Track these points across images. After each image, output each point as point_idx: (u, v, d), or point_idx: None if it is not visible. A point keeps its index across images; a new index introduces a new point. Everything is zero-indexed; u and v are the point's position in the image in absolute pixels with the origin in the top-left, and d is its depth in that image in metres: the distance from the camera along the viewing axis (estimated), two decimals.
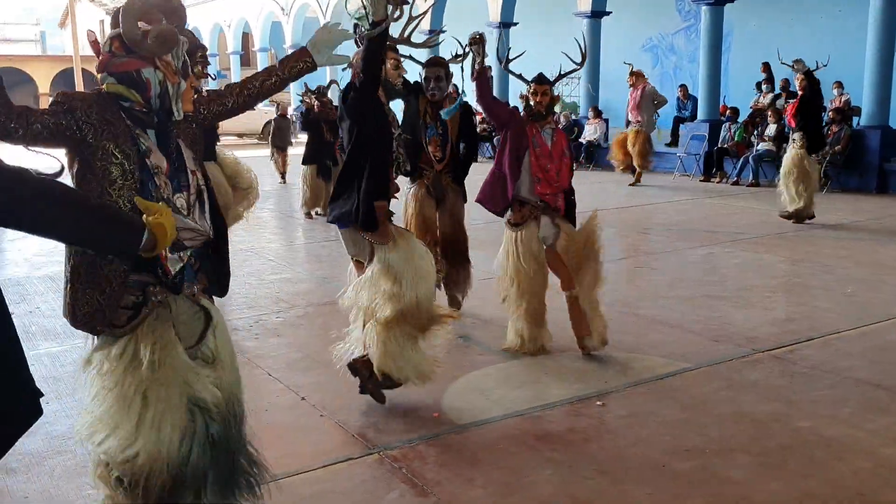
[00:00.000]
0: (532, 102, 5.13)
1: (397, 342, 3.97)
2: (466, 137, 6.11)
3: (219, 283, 2.76)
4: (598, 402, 4.31)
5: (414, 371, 4.05)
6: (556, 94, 5.19)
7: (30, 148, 2.35)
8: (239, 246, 8.61)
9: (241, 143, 23.32)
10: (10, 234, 9.78)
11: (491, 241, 9.24)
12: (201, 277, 2.69)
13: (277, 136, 15.12)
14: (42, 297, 6.69)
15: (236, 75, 32.38)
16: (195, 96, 2.66)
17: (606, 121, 17.07)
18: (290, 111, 21.19)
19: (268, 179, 10.85)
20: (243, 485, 2.78)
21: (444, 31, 5.72)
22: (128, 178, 2.41)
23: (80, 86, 30.59)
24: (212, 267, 2.73)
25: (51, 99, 2.46)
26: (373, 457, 3.71)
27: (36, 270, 7.88)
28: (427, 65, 5.79)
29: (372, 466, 3.62)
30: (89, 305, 2.45)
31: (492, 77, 6.40)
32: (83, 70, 31.86)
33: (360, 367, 4.16)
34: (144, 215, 2.23)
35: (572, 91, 21.15)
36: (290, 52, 26.81)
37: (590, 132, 16.85)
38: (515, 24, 19.49)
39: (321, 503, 3.33)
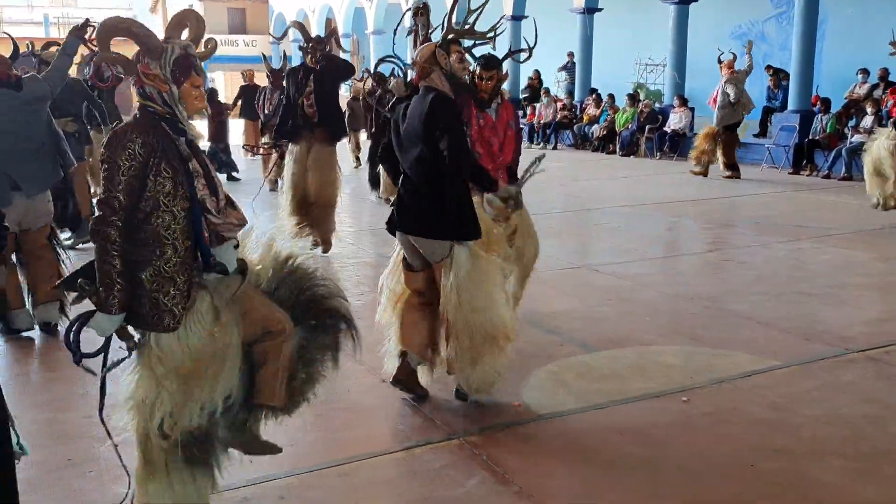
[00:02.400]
0: (478, 85, 4.82)
1: (483, 364, 3.96)
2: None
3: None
4: (682, 398, 4.22)
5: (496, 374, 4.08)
6: (504, 72, 4.89)
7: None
8: (308, 233, 8.75)
9: None
10: None
11: (568, 230, 9.19)
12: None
13: (351, 119, 15.28)
14: None
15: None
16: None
17: (692, 109, 16.66)
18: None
19: (344, 165, 10.91)
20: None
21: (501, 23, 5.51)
22: (178, 189, 2.73)
23: None
24: None
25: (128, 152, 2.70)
26: (453, 442, 3.72)
27: None
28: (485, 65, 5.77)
29: (452, 451, 3.64)
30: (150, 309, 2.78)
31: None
32: None
33: (404, 377, 4.15)
34: None
35: (656, 79, 20.71)
36: (371, 37, 26.82)
37: (675, 121, 16.47)
38: (600, 9, 19.16)
39: (403, 485, 3.36)
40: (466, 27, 4.36)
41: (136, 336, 2.84)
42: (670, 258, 8.05)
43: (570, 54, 20.84)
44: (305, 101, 7.49)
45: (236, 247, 2.99)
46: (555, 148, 18.79)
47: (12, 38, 7.30)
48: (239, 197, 3.38)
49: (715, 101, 13.06)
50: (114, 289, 2.68)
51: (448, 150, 3.74)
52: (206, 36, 3.04)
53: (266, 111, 11.89)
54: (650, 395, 4.28)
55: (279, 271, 3.09)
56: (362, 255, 7.95)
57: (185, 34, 2.96)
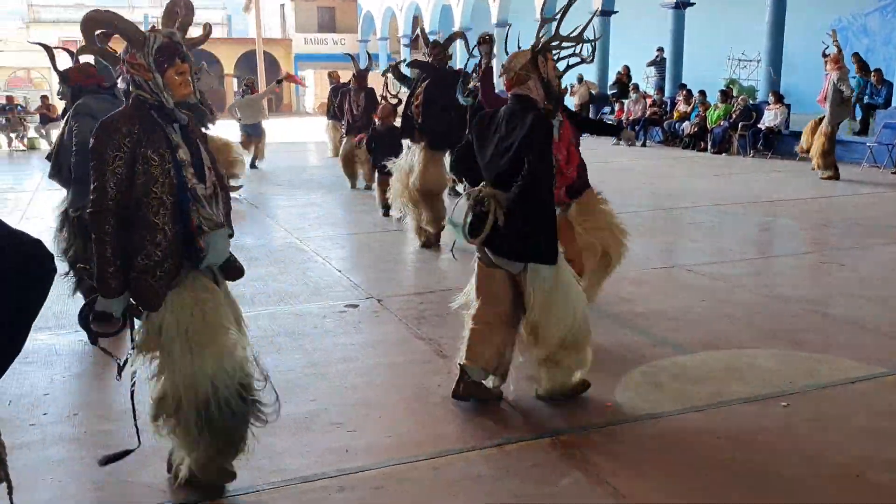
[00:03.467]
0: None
1: (566, 368, 3.96)
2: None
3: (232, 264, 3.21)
4: (782, 404, 4.09)
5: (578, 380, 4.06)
6: (563, 86, 4.77)
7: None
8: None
9: None
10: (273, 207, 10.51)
11: (658, 229, 9.01)
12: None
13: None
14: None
15: (406, 57, 33.13)
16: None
17: (788, 106, 16.12)
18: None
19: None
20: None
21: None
22: (166, 177, 2.83)
23: (261, 68, 32.32)
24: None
25: (97, 135, 2.82)
26: (545, 441, 3.70)
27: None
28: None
29: (545, 450, 3.61)
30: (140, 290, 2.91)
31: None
32: (265, 52, 33.63)
33: (469, 392, 4.07)
34: None
35: (750, 74, 20.12)
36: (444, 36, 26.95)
37: (769, 118, 15.96)
38: (692, 3, 18.72)
39: (495, 482, 3.35)
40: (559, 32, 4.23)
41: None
42: (766, 259, 7.80)
43: (660, 49, 20.45)
44: (414, 100, 7.48)
45: (230, 236, 3.10)
46: (644, 145, 18.48)
47: (45, 47, 6.63)
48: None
49: (825, 98, 12.45)
50: (107, 272, 2.81)
51: (532, 172, 3.65)
52: (213, 32, 3.25)
53: (354, 112, 11.63)
54: (748, 399, 4.16)
55: None
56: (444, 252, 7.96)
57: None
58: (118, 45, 3.13)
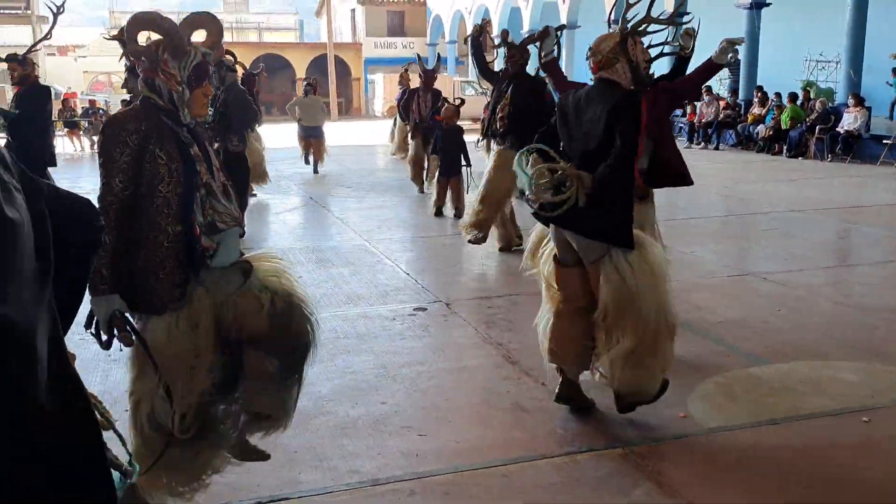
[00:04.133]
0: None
1: (645, 367, 3.74)
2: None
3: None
4: (863, 419, 3.96)
5: (659, 380, 3.89)
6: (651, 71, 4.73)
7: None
8: None
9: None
10: (278, 206, 10.74)
11: (731, 235, 8.83)
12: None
13: None
14: (304, 267, 7.24)
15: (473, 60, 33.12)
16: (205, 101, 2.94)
17: (869, 109, 15.58)
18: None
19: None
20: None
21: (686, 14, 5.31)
22: (173, 175, 2.78)
23: (332, 72, 32.80)
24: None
25: (106, 130, 2.81)
26: (617, 451, 3.66)
27: (298, 242, 8.58)
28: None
29: (616, 460, 3.58)
30: (141, 292, 2.83)
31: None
32: (336, 57, 34.10)
33: (570, 395, 4.03)
34: None
35: (828, 76, 19.52)
36: (525, 36, 26.82)
37: (849, 121, 15.45)
38: (768, 4, 18.27)
39: (566, 490, 3.34)
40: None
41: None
42: (845, 267, 7.57)
43: (735, 51, 20.00)
44: (499, 111, 7.33)
45: (242, 235, 3.06)
46: (717, 148, 18.12)
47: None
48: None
49: None
50: (101, 271, 2.69)
51: (619, 152, 3.57)
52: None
53: (422, 112, 11.58)
54: (827, 412, 4.04)
55: (276, 301, 3.02)
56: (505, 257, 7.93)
57: (195, 36, 3.00)
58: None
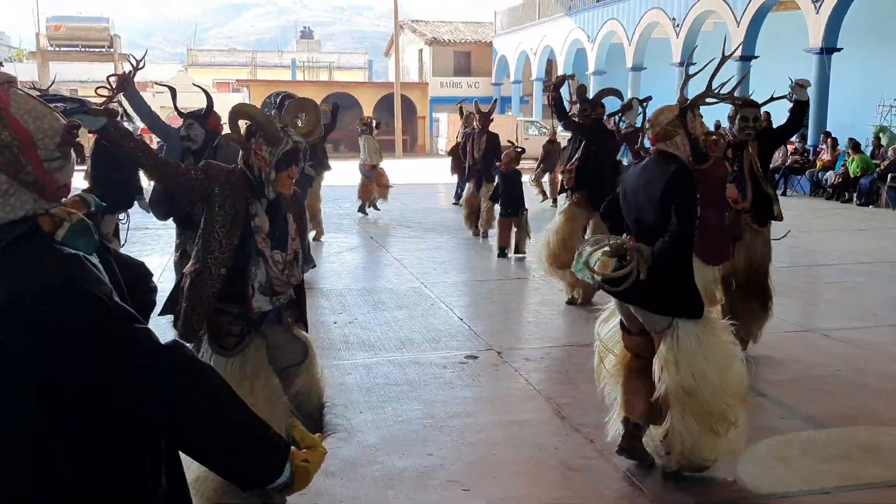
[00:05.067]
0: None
1: (700, 431, 3.70)
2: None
3: (302, 321, 3.48)
4: None
5: (721, 452, 3.82)
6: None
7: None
8: (533, 274, 8.86)
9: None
10: (336, 246, 10.93)
11: (795, 288, 8.61)
12: (293, 312, 3.41)
13: (547, 159, 15.63)
14: (360, 309, 7.35)
15: (538, 100, 33.34)
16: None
17: None
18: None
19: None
20: None
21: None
22: (232, 226, 3.13)
23: (398, 110, 33.35)
24: (296, 305, 3.43)
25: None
26: None
27: (356, 283, 8.70)
28: (744, 105, 5.60)
29: None
30: (183, 315, 3.20)
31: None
32: (402, 96, 34.68)
33: (632, 447, 3.99)
34: (294, 451, 1.70)
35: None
36: (592, 77, 26.71)
37: None
38: (839, 49, 17.96)
39: None
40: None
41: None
42: None
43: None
44: (569, 167, 7.33)
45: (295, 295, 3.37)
46: (783, 194, 17.75)
47: (205, 91, 6.14)
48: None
49: None
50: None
51: (677, 225, 3.60)
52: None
53: (475, 155, 11.47)
54: (886, 483, 3.91)
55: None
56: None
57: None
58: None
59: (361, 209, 14.15)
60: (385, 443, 4.37)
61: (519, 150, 10.43)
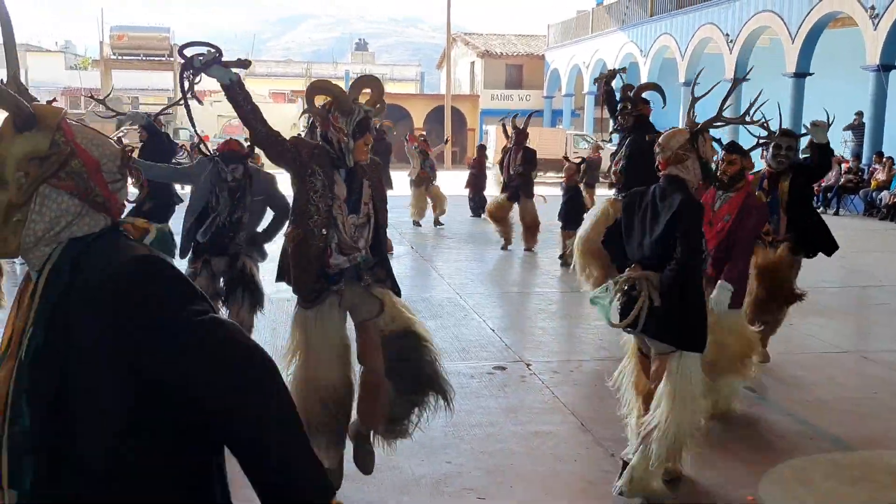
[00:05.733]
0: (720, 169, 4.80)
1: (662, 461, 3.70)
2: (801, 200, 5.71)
3: (390, 281, 3.80)
4: None
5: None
6: (748, 160, 4.86)
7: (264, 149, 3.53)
8: (570, 288, 8.82)
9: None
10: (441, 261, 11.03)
11: (842, 309, 8.43)
12: (379, 272, 3.76)
13: (589, 172, 15.55)
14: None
15: (589, 114, 33.21)
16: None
17: None
18: None
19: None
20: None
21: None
22: (325, 190, 3.51)
23: (448, 122, 33.52)
24: (381, 266, 3.78)
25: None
26: None
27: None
28: (779, 135, 5.60)
29: None
30: (293, 273, 3.63)
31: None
32: (453, 107, 34.87)
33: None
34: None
35: None
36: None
37: None
38: None
39: None
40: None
41: None
42: None
43: (859, 114, 19.23)
44: (614, 165, 7.16)
45: (364, 261, 3.68)
46: (836, 213, 17.40)
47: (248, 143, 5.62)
48: None
49: None
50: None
51: (682, 255, 3.58)
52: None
53: (511, 171, 11.44)
54: None
55: (401, 334, 3.69)
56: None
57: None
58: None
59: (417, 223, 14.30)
60: (405, 448, 4.40)
61: (578, 161, 10.42)
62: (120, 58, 40.19)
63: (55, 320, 1.46)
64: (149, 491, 1.51)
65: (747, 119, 4.45)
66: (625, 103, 7.29)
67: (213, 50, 3.39)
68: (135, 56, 40.65)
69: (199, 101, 3.48)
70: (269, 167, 5.23)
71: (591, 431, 4.75)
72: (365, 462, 3.89)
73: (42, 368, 1.47)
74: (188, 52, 3.39)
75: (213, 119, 39.75)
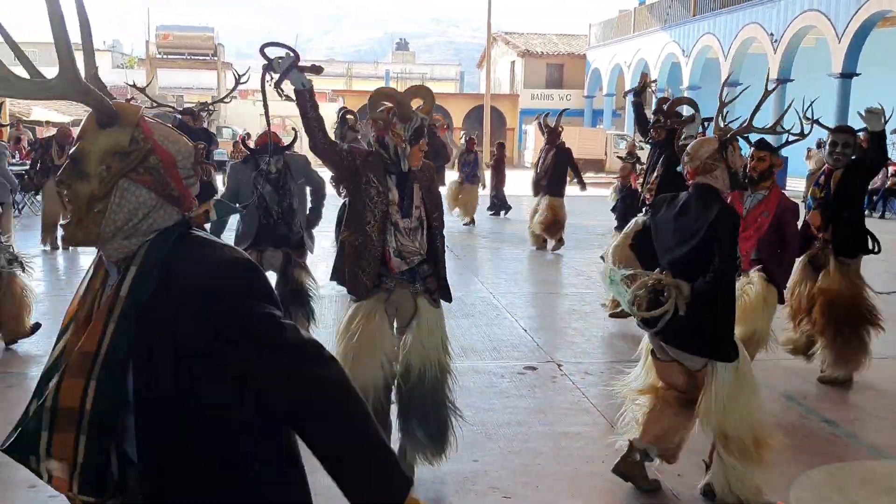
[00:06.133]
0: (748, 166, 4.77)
1: (744, 466, 3.63)
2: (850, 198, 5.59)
3: (441, 288, 3.87)
4: None
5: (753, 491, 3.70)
6: (778, 158, 4.86)
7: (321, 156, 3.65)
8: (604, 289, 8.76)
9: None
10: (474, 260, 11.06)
11: (887, 314, 8.21)
12: (430, 282, 3.81)
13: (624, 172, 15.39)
14: None
15: (630, 114, 32.86)
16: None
17: None
18: None
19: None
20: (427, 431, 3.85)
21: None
22: (381, 197, 3.63)
23: (487, 122, 33.48)
24: (434, 276, 3.83)
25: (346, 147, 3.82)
26: None
27: None
28: (835, 131, 5.51)
29: None
30: (348, 275, 3.78)
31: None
32: (492, 107, 34.82)
33: (625, 471, 3.93)
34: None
35: None
36: (686, 93, 26.36)
37: None
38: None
39: None
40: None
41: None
42: None
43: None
44: (650, 182, 6.99)
45: (419, 265, 3.77)
46: (882, 216, 17.01)
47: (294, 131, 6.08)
48: None
49: None
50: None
51: (719, 267, 3.50)
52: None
53: (538, 170, 11.45)
54: None
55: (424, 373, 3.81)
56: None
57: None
58: None
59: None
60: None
61: (632, 161, 10.27)
62: (165, 57, 40.89)
63: (147, 318, 1.54)
64: (254, 480, 1.60)
65: (779, 129, 4.38)
66: (658, 116, 7.22)
67: (290, 53, 3.50)
68: (180, 55, 41.31)
69: (287, 97, 3.61)
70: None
71: (621, 434, 4.70)
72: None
73: (135, 362, 1.55)
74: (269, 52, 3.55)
75: (256, 118, 40.27)
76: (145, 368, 1.54)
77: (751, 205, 4.82)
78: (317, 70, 3.59)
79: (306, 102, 3.56)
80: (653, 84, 8.43)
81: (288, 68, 3.47)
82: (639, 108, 7.62)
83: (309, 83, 3.55)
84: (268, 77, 3.52)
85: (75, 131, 1.71)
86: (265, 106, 3.49)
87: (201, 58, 41.38)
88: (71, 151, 1.60)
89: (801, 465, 4.23)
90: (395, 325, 3.86)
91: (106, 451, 1.59)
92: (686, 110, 7.20)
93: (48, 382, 1.59)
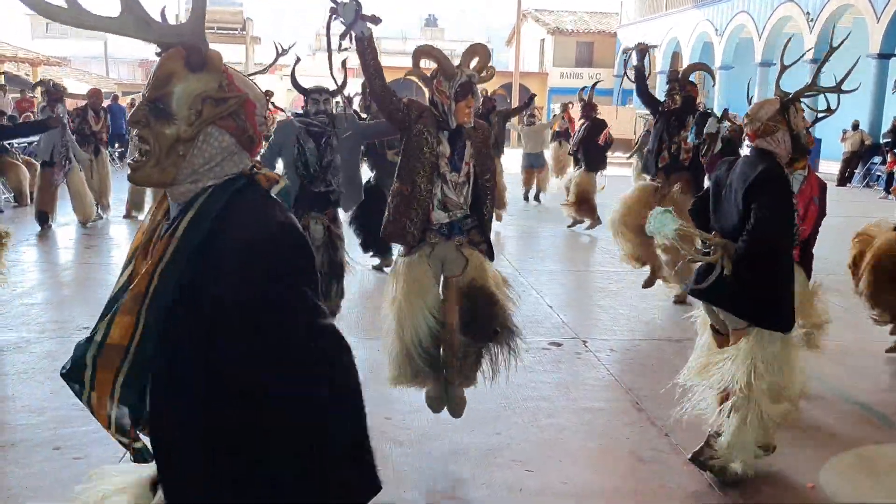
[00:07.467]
0: None
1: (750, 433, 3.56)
2: None
3: (486, 244, 3.95)
4: None
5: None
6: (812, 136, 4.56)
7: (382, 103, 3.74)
8: (631, 267, 8.65)
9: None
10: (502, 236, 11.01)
11: None
12: (474, 235, 3.90)
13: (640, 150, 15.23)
14: None
15: (661, 94, 32.40)
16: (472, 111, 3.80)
17: None
18: None
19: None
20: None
21: None
22: (432, 151, 3.73)
23: (514, 100, 33.21)
24: (478, 229, 3.91)
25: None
26: None
27: None
28: None
29: None
30: (396, 226, 3.83)
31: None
32: (521, 85, 34.53)
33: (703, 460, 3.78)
34: None
35: None
36: (719, 72, 25.84)
37: None
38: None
39: None
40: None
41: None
42: None
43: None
44: (683, 143, 6.97)
45: (467, 217, 3.87)
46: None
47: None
48: None
49: None
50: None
51: (752, 230, 3.37)
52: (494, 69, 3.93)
53: (572, 144, 11.73)
54: None
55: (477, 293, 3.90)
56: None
57: (474, 62, 3.89)
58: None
59: (527, 196, 14.43)
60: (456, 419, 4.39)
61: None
62: None
63: (196, 262, 1.54)
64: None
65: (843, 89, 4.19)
66: (673, 84, 7.09)
67: (354, 1, 3.63)
68: (208, 30, 41.06)
69: (343, 47, 3.82)
70: None
71: (645, 410, 4.64)
72: (452, 407, 4.11)
73: (180, 302, 1.55)
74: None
75: (284, 93, 40.30)
76: (182, 316, 1.54)
77: (797, 188, 4.67)
78: (375, 20, 3.71)
79: (366, 50, 3.65)
80: (653, 48, 8.30)
81: (355, 18, 3.62)
82: (640, 73, 7.45)
83: (369, 31, 3.66)
84: (334, 25, 3.71)
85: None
86: (328, 50, 3.73)
87: (230, 32, 41.38)
88: (151, 94, 1.58)
89: (833, 448, 4.15)
90: (441, 278, 3.94)
91: (140, 394, 1.59)
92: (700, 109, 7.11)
93: (111, 309, 1.61)
